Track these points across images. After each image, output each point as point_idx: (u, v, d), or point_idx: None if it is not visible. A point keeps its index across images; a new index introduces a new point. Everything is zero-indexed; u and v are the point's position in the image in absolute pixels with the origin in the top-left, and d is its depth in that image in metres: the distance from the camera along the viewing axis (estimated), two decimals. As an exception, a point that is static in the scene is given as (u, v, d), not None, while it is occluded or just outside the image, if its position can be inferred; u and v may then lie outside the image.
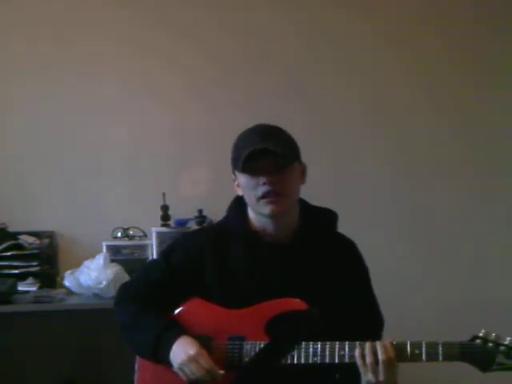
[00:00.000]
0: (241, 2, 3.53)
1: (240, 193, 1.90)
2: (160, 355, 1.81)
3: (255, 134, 1.84)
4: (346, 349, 1.69)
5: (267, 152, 1.77)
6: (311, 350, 1.72)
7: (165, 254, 2.02)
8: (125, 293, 2.00)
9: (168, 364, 1.79)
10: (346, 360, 1.69)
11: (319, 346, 1.72)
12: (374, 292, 1.94)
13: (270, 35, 3.52)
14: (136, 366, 1.94)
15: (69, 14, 3.40)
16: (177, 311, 1.91)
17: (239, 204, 1.94)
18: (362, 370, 1.67)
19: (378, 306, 1.93)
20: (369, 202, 3.52)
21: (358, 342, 1.69)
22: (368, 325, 1.85)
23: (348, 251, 1.95)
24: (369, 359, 1.65)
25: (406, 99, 3.57)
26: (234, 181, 1.91)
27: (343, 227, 1.98)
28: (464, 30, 3.58)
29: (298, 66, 3.54)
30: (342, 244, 1.95)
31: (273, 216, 1.83)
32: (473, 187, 3.57)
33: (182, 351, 1.76)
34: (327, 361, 1.70)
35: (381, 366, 1.64)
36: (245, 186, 1.84)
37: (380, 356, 1.64)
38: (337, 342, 1.70)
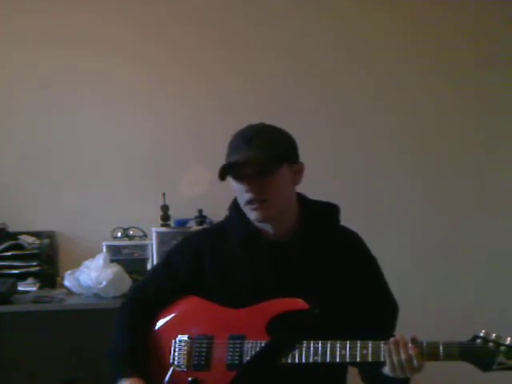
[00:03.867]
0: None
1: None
2: None
3: (241, 137, 1.82)
4: (347, 348, 1.68)
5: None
6: (312, 349, 1.71)
7: (166, 257, 2.03)
8: (126, 302, 2.02)
9: None
10: (347, 359, 1.68)
11: (320, 345, 1.71)
12: (386, 279, 1.92)
13: (282, 34, 3.54)
14: None
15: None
16: (178, 311, 1.92)
17: (238, 204, 1.94)
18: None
19: (390, 293, 1.91)
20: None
21: (358, 342, 1.68)
22: (382, 312, 1.84)
23: (352, 243, 1.92)
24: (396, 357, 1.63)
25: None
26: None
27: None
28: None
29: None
30: (344, 236, 1.93)
31: (259, 221, 1.83)
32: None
33: None
34: (328, 360, 1.69)
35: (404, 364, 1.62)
36: (235, 189, 1.84)
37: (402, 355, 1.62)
38: (338, 341, 1.69)
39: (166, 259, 2.01)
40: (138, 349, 1.88)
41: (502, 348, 1.49)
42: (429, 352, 1.59)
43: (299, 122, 3.39)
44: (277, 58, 3.52)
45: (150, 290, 1.97)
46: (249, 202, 1.79)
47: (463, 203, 3.57)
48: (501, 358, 1.49)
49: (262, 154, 1.77)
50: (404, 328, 1.80)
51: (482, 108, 3.59)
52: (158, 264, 2.29)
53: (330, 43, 3.56)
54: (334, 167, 3.50)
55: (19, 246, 3.18)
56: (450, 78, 3.59)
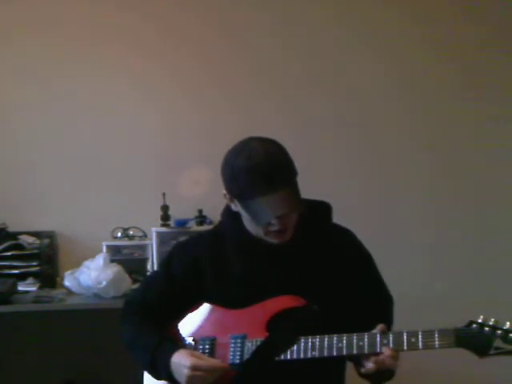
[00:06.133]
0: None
1: (234, 208, 1.85)
2: (163, 379, 1.82)
3: (259, 174, 1.71)
4: (344, 341, 1.68)
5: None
6: (310, 344, 1.71)
7: (164, 263, 2.03)
8: (127, 310, 2.00)
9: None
10: (344, 353, 1.68)
11: (317, 339, 1.71)
12: (380, 273, 1.92)
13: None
14: None
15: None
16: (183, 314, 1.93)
17: (231, 210, 1.90)
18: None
19: (385, 285, 1.92)
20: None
21: (355, 334, 1.67)
22: (378, 304, 1.85)
23: (346, 240, 1.93)
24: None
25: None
26: (225, 196, 1.85)
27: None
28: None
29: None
30: (339, 234, 1.94)
31: (279, 244, 1.82)
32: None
33: (180, 368, 1.75)
34: (325, 354, 1.69)
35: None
36: (245, 216, 1.81)
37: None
38: (334, 336, 1.69)
39: (164, 265, 2.00)
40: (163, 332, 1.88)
41: (499, 332, 1.46)
42: (424, 340, 1.57)
43: (300, 121, 3.42)
44: (277, 56, 3.51)
45: (151, 294, 1.96)
46: (271, 231, 1.78)
47: (463, 203, 3.56)
48: (498, 343, 1.47)
49: (291, 189, 1.74)
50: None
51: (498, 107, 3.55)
52: (155, 271, 2.30)
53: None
54: (338, 167, 3.48)
55: (19, 246, 3.18)
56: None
